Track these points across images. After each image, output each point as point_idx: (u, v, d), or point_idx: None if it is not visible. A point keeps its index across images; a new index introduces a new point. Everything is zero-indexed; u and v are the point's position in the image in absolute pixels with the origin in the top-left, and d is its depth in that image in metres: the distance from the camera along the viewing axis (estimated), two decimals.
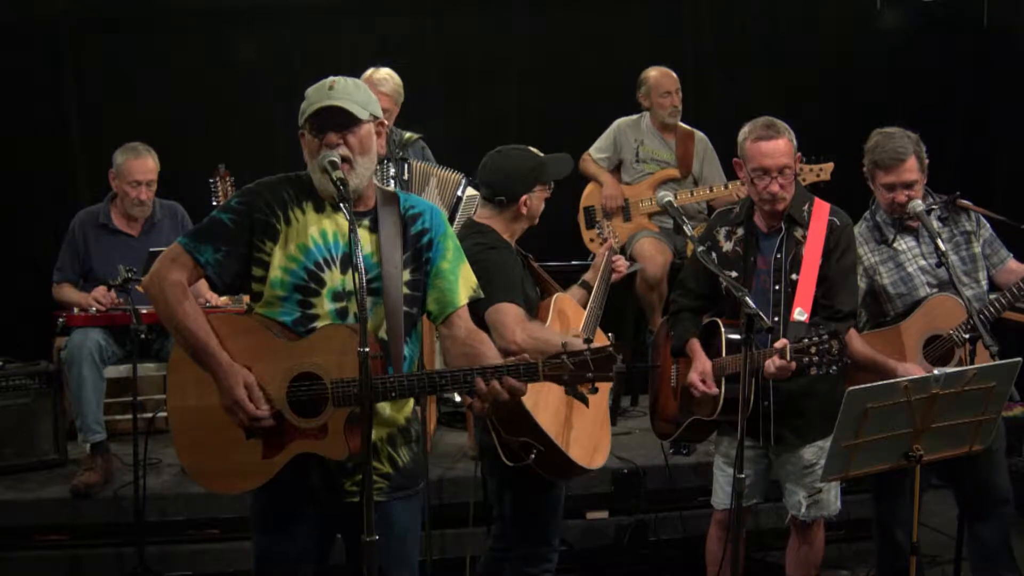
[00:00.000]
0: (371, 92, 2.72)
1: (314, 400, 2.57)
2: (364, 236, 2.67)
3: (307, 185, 2.68)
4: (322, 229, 2.65)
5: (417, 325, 2.78)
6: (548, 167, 3.50)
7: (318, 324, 2.62)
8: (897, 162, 3.68)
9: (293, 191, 2.68)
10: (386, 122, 2.78)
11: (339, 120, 2.61)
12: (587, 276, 3.85)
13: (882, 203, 3.77)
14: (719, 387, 3.54)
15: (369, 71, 4.92)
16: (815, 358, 3.20)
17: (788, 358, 3.25)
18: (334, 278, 2.63)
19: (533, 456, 3.20)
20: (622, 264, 3.86)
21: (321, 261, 2.64)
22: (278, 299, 2.63)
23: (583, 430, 3.36)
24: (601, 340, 3.56)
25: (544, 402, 3.16)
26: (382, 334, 2.65)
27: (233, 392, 2.54)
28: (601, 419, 3.52)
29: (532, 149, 3.53)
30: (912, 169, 3.69)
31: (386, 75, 4.96)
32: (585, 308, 3.66)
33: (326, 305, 2.63)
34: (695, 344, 3.64)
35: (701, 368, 3.58)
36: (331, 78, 2.67)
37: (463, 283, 2.78)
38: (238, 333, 2.62)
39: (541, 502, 3.44)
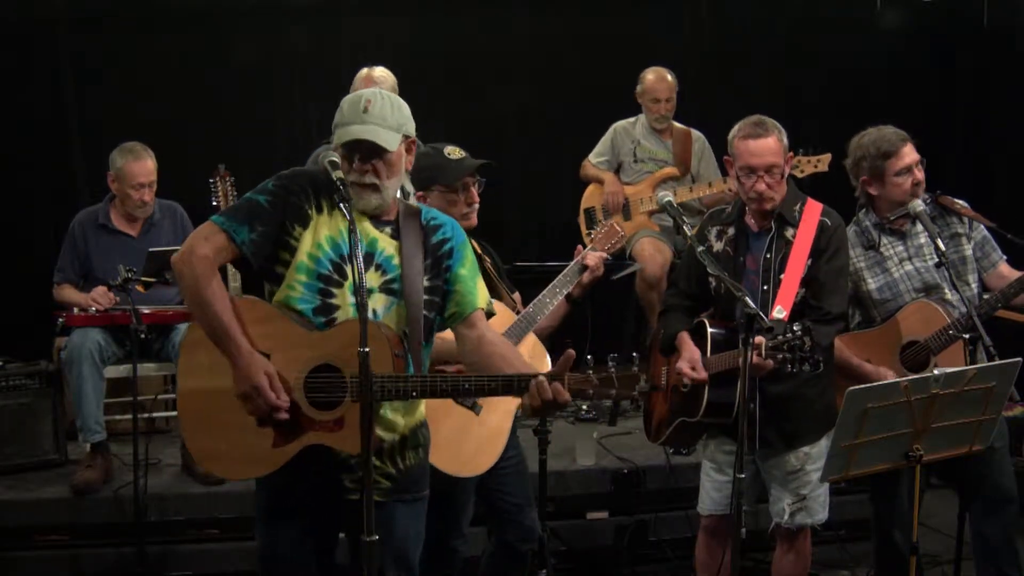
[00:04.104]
0: (406, 109, 2.72)
1: (332, 392, 2.58)
2: (386, 241, 2.71)
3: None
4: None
5: (433, 333, 2.80)
6: (446, 169, 3.37)
7: (338, 315, 2.64)
8: (903, 141, 3.70)
9: (327, 185, 2.68)
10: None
11: (370, 148, 2.63)
12: (572, 288, 3.70)
13: (899, 196, 3.71)
14: (703, 390, 3.47)
15: (365, 70, 4.92)
16: (787, 355, 3.16)
17: (763, 355, 3.21)
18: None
19: None
20: (592, 259, 3.67)
21: (346, 255, 2.66)
22: (301, 284, 2.65)
23: (456, 436, 3.29)
24: (531, 348, 3.51)
25: None
26: (403, 330, 2.67)
27: (255, 379, 2.53)
28: (491, 430, 3.40)
29: (450, 149, 3.42)
30: (913, 148, 3.71)
31: (383, 74, 4.96)
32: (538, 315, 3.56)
33: (347, 298, 2.65)
34: (685, 336, 3.58)
35: (689, 356, 3.51)
36: (366, 94, 2.66)
37: (481, 291, 2.82)
38: (260, 319, 2.63)
39: (443, 504, 3.37)
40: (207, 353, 2.61)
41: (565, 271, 3.67)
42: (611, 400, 2.55)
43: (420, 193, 3.43)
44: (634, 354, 2.59)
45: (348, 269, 2.65)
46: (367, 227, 2.70)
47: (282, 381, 2.58)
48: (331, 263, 2.66)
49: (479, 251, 3.63)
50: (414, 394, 2.60)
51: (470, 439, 3.33)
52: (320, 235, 2.66)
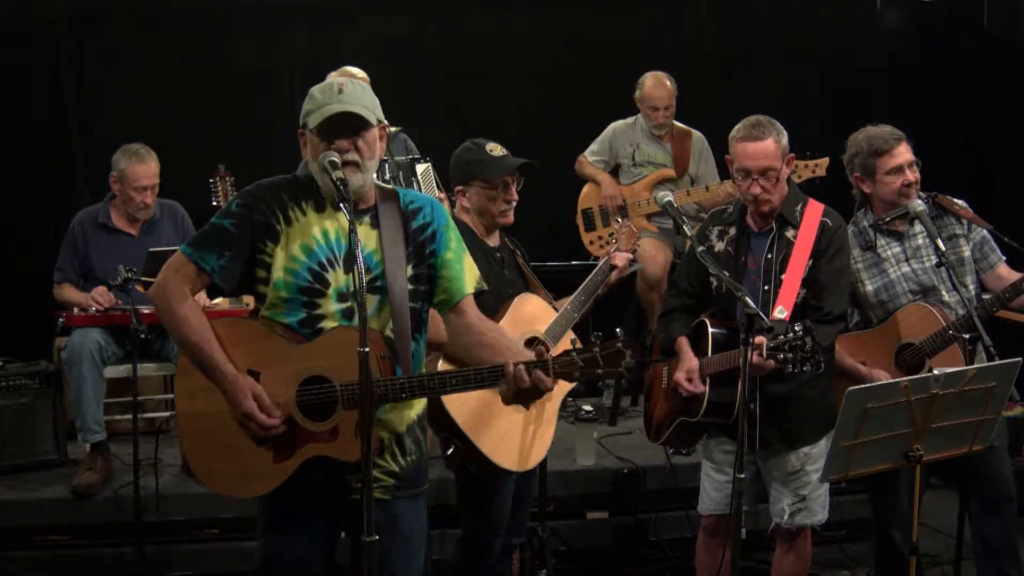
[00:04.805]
0: (375, 97, 2.72)
1: (324, 403, 2.58)
2: (366, 233, 2.67)
3: (306, 185, 2.68)
4: (324, 229, 2.66)
5: (425, 323, 2.80)
6: (488, 164, 3.44)
7: (325, 324, 2.63)
8: (897, 141, 3.70)
9: (292, 192, 2.68)
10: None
11: (351, 126, 2.62)
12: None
13: (888, 195, 3.72)
14: (705, 387, 3.51)
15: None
16: (788, 355, 3.16)
17: (764, 355, 3.22)
18: (338, 278, 2.64)
19: (451, 450, 3.26)
20: (621, 259, 3.80)
21: (324, 261, 2.64)
22: (283, 300, 2.63)
23: (511, 431, 3.32)
24: (566, 345, 3.55)
25: (461, 398, 3.13)
26: (388, 332, 2.66)
27: (243, 406, 2.56)
28: (542, 423, 3.45)
29: (492, 146, 3.48)
30: (909, 149, 3.71)
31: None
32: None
33: (332, 306, 2.64)
34: (683, 343, 3.61)
35: (687, 367, 3.54)
36: (337, 80, 2.67)
37: (468, 272, 2.80)
38: (244, 338, 2.63)
39: (488, 498, 3.45)
40: (201, 376, 2.62)
41: (595, 271, 3.76)
42: (600, 379, 2.55)
43: (459, 187, 3.46)
44: (617, 330, 2.58)
45: (329, 275, 2.64)
46: (345, 224, 2.64)
47: (273, 398, 2.59)
48: (310, 272, 2.63)
49: (511, 246, 3.67)
50: (403, 396, 2.60)
51: (526, 433, 3.37)
52: (293, 248, 2.63)
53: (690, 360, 3.56)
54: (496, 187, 3.45)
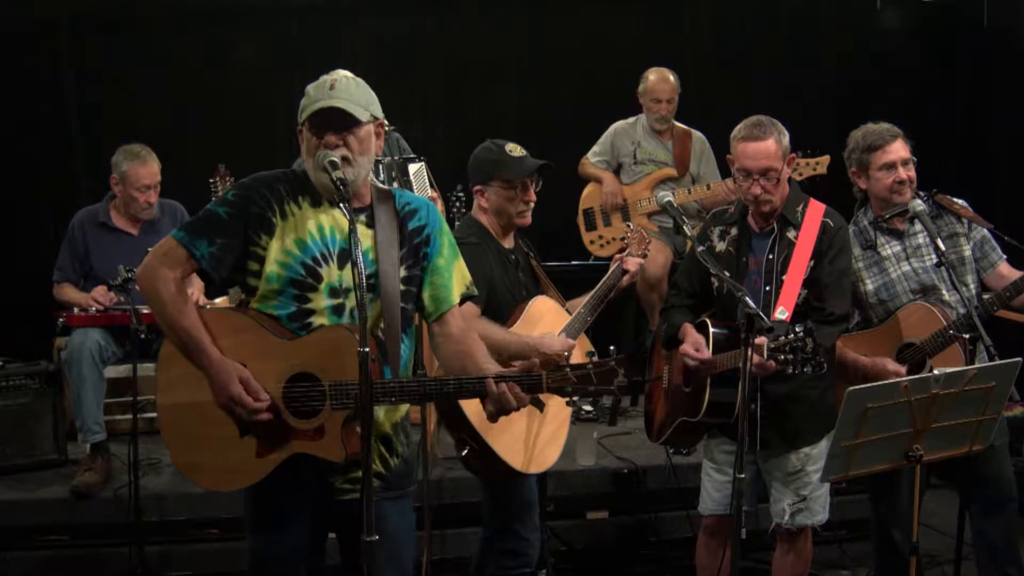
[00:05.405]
0: (372, 93, 2.72)
1: (311, 401, 2.57)
2: (361, 232, 2.66)
3: (303, 180, 2.67)
4: (319, 224, 2.65)
5: (412, 322, 2.79)
6: (508, 164, 3.46)
7: (314, 319, 2.62)
8: (892, 138, 3.70)
9: (289, 186, 2.67)
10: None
11: (339, 121, 2.60)
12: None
13: (881, 192, 3.73)
14: (705, 389, 3.49)
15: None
16: (789, 356, 3.15)
17: (765, 356, 3.21)
18: (331, 273, 2.63)
19: (466, 451, 3.25)
20: (633, 264, 3.82)
21: (319, 256, 2.63)
22: (274, 293, 2.62)
23: (526, 433, 3.32)
24: (582, 346, 3.58)
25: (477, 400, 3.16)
26: (378, 332, 2.65)
27: (228, 388, 2.53)
28: (556, 426, 3.47)
29: (512, 146, 3.50)
30: (905, 147, 3.71)
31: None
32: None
33: (323, 301, 2.62)
34: (688, 326, 3.60)
35: (693, 340, 3.53)
36: (332, 75, 2.67)
37: (457, 280, 2.80)
38: (232, 331, 2.60)
39: (507, 496, 3.46)
40: (183, 366, 2.58)
41: (607, 276, 3.79)
42: (591, 396, 2.57)
43: (478, 187, 3.48)
44: (611, 348, 2.59)
45: (323, 270, 2.63)
46: (341, 220, 2.64)
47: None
48: (303, 266, 2.62)
49: (525, 248, 3.68)
50: (392, 400, 2.59)
51: (538, 436, 3.38)
52: (287, 241, 2.62)
53: (696, 337, 3.54)
54: (515, 187, 3.48)
